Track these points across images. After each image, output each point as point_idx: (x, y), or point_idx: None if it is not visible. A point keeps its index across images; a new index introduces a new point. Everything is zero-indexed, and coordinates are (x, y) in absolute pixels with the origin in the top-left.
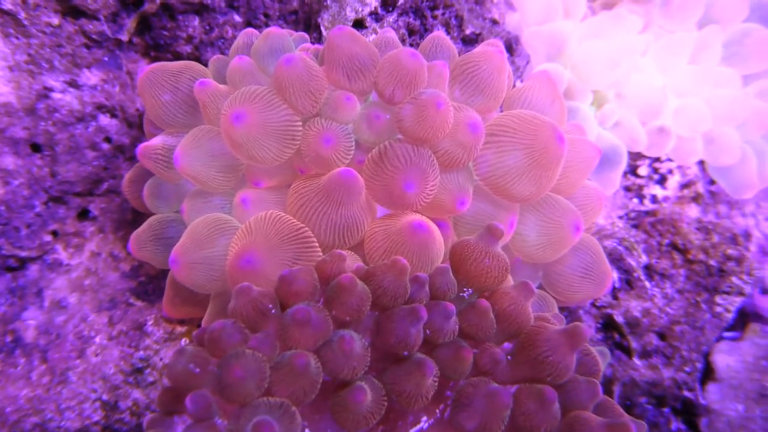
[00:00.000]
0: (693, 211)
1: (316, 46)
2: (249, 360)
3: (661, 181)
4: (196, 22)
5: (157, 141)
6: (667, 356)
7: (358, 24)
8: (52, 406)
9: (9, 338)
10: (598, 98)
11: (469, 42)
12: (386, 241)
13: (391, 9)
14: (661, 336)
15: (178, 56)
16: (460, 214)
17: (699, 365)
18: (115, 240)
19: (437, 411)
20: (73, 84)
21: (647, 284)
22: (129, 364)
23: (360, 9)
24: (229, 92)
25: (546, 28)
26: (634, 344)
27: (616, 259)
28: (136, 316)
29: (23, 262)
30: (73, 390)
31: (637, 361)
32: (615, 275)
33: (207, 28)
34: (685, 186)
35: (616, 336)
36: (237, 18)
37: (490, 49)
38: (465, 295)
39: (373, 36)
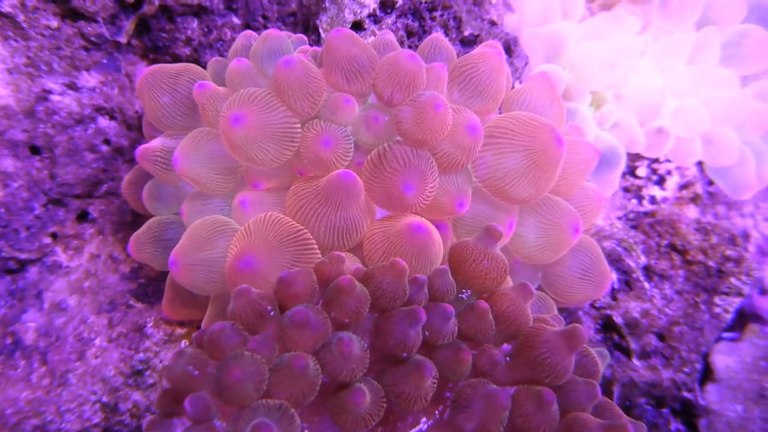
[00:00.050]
0: (692, 211)
1: (315, 48)
2: (248, 362)
3: (660, 182)
4: (195, 24)
5: (156, 143)
6: (666, 357)
7: (357, 26)
8: (52, 409)
9: (9, 340)
10: (596, 99)
11: (468, 43)
12: (385, 242)
13: (389, 11)
14: (661, 337)
15: (176, 58)
16: (459, 215)
17: (698, 366)
18: (115, 242)
19: (436, 412)
20: (72, 86)
21: (646, 285)
22: (129, 366)
23: (358, 11)
24: (227, 94)
25: (544, 29)
26: (633, 345)
27: (615, 260)
28: (136, 318)
29: (23, 265)
30: (73, 392)
31: (636, 362)
32: (614, 276)
33: (205, 30)
34: (683, 187)
35: (616, 337)
36: (235, 20)
37: (489, 50)
38: (464, 296)
39: (372, 38)
